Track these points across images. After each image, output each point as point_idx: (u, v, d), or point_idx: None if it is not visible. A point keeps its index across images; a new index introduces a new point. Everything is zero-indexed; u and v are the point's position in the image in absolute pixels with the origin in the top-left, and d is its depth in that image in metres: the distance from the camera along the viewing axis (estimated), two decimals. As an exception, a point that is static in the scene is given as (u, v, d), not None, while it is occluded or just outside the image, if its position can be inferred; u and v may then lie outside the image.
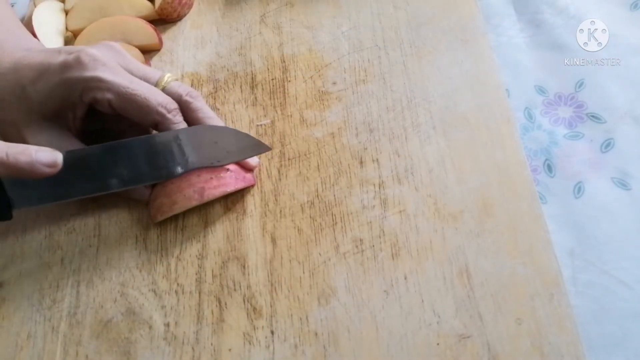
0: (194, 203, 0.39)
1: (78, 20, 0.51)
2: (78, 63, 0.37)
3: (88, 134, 0.42)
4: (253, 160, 0.42)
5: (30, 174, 0.34)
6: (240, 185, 0.40)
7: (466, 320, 0.35)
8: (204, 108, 0.41)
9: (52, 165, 0.34)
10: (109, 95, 0.37)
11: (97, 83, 0.36)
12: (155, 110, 0.37)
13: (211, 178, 0.39)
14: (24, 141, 0.38)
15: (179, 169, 0.38)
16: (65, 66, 0.37)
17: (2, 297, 0.39)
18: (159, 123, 0.38)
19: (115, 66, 0.38)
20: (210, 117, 0.41)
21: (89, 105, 0.39)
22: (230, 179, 0.40)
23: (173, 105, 0.38)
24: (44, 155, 0.34)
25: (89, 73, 0.36)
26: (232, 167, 0.40)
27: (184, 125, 0.39)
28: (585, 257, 0.39)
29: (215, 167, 0.39)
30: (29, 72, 0.38)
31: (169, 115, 0.38)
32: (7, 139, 0.39)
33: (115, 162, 0.37)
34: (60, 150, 0.38)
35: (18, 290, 0.40)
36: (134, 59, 0.41)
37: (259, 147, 0.41)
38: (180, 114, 0.39)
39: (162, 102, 0.38)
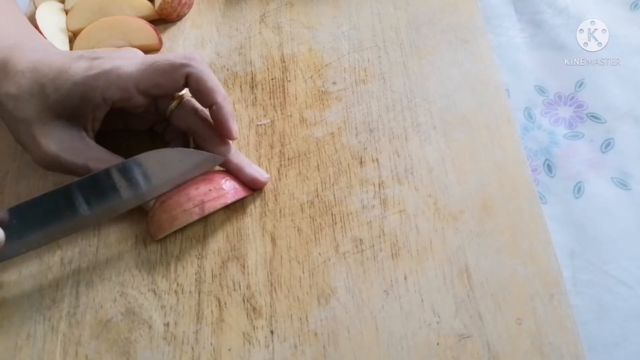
0: (195, 217, 0.39)
1: (78, 20, 0.51)
2: (99, 63, 0.38)
3: (106, 132, 0.42)
4: (262, 175, 0.41)
5: None
6: (240, 195, 0.40)
7: (466, 320, 0.35)
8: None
9: None
10: (131, 80, 0.37)
11: (117, 71, 0.37)
12: (180, 63, 0.38)
13: (210, 190, 0.39)
14: (34, 139, 0.38)
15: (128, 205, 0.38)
16: (88, 68, 0.38)
17: (2, 297, 0.39)
18: (189, 75, 0.38)
19: (132, 60, 0.39)
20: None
21: (110, 106, 0.39)
22: (230, 190, 0.40)
23: (193, 54, 0.39)
24: None
25: (108, 66, 0.37)
26: (231, 176, 0.40)
27: (207, 71, 0.39)
28: (585, 257, 0.39)
29: (212, 178, 0.40)
30: (49, 72, 0.38)
31: (193, 63, 0.38)
32: (18, 136, 0.39)
33: (60, 210, 0.37)
34: (71, 152, 0.39)
35: (18, 290, 0.40)
36: None
37: (213, 160, 0.40)
38: (204, 62, 0.39)
39: (182, 54, 0.38)
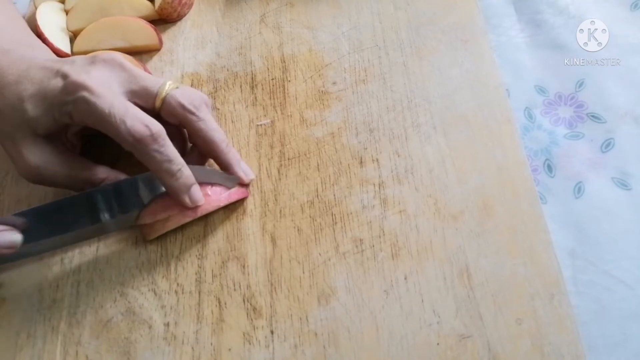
0: (188, 219, 0.39)
1: (78, 20, 0.51)
2: (67, 88, 0.37)
3: (91, 138, 0.42)
4: (248, 175, 0.41)
5: None
6: (234, 198, 0.40)
7: (466, 320, 0.35)
8: (206, 118, 0.40)
9: (10, 247, 0.36)
10: (90, 119, 0.37)
11: (87, 105, 0.36)
12: (123, 138, 0.36)
13: (204, 193, 0.39)
14: (17, 152, 0.38)
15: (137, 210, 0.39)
16: (60, 91, 0.37)
17: (2, 297, 0.39)
18: (131, 150, 0.37)
19: (101, 88, 0.37)
20: (213, 129, 0.40)
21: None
22: (224, 192, 0.40)
23: (147, 132, 0.36)
24: (2, 237, 0.36)
25: (72, 97, 0.36)
26: None
27: (161, 155, 0.37)
28: (586, 257, 0.39)
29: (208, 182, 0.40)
30: (30, 86, 0.38)
31: (139, 146, 0.36)
32: (6, 149, 0.39)
33: (80, 213, 0.39)
34: (54, 164, 0.39)
35: (18, 290, 0.40)
36: (136, 68, 0.40)
37: (231, 181, 0.41)
38: (159, 142, 0.37)
39: (132, 131, 0.36)
